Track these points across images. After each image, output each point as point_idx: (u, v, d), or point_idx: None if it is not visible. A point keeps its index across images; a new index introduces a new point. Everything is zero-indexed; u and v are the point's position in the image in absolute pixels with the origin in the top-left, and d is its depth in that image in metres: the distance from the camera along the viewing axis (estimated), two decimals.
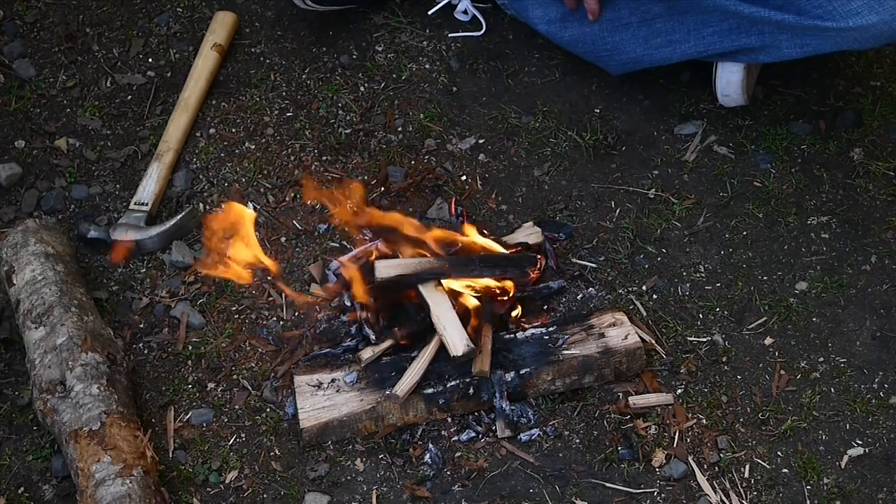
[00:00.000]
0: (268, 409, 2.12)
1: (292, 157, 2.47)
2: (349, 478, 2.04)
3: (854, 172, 2.41)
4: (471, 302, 2.14)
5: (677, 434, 2.07)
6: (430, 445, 2.06)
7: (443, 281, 2.14)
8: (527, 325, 2.17)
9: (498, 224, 2.36)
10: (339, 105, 2.55)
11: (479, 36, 2.65)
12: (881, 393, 2.12)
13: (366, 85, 2.58)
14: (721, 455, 2.05)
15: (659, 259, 2.31)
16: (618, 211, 2.38)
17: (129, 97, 2.57)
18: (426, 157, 2.47)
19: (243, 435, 2.10)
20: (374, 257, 2.20)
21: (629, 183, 2.42)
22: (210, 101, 2.55)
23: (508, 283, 2.19)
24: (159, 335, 2.22)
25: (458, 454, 2.06)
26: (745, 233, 2.34)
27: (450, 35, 2.66)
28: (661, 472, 2.03)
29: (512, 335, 2.14)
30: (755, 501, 2.00)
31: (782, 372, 2.15)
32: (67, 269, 2.18)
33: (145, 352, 2.20)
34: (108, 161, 2.47)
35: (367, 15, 2.69)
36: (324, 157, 2.46)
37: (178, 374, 2.17)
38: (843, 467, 2.04)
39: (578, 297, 2.26)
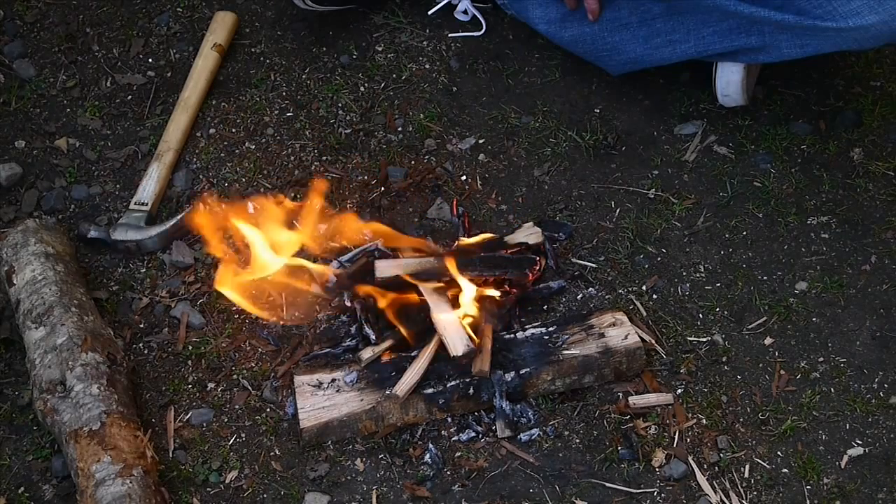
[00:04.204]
0: (268, 409, 2.12)
1: (292, 157, 2.47)
2: (349, 478, 2.04)
3: (854, 172, 2.41)
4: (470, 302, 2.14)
5: (677, 434, 2.07)
6: (430, 445, 2.06)
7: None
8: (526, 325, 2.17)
9: (498, 224, 2.36)
10: (339, 105, 2.55)
11: (479, 36, 2.65)
12: (881, 393, 2.12)
13: (366, 85, 2.58)
14: (721, 455, 2.05)
15: (659, 259, 2.31)
16: (618, 211, 2.38)
17: (129, 97, 2.57)
18: (426, 157, 2.47)
19: (243, 435, 2.10)
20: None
21: (629, 183, 2.42)
22: (210, 101, 2.55)
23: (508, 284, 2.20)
24: (159, 335, 2.22)
25: (458, 454, 2.06)
26: (745, 233, 2.34)
27: (450, 35, 2.66)
28: (661, 472, 2.03)
29: (512, 335, 2.14)
30: (755, 501, 2.00)
31: (782, 372, 2.15)
32: (67, 269, 2.18)
33: (145, 352, 2.20)
34: (108, 161, 2.47)
35: (367, 15, 2.69)
36: (324, 157, 2.46)
37: (178, 374, 2.17)
38: (843, 467, 2.04)
39: (578, 297, 2.26)
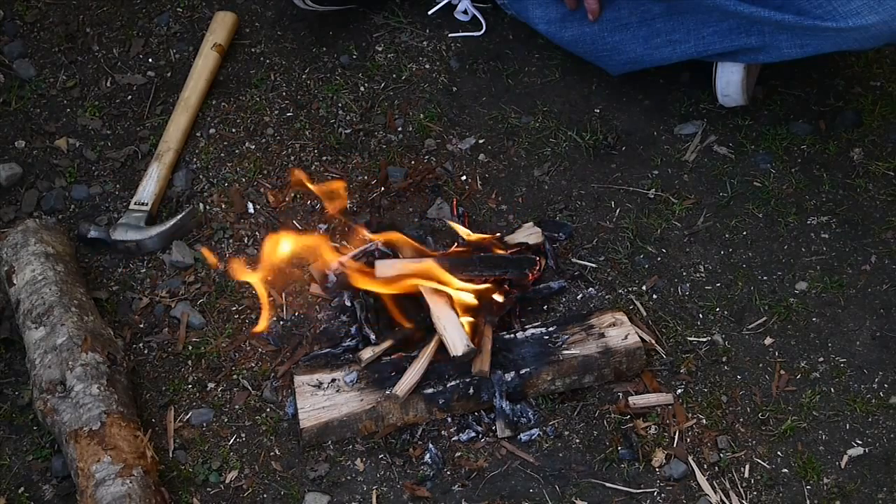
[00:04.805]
0: (268, 409, 2.12)
1: (292, 157, 2.47)
2: (349, 478, 2.04)
3: (854, 172, 2.41)
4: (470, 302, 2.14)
5: (677, 434, 2.07)
6: (430, 445, 2.06)
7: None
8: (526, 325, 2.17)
9: (498, 224, 2.36)
10: (339, 105, 2.55)
11: (479, 36, 2.65)
12: (881, 393, 2.12)
13: (366, 85, 2.58)
14: (721, 455, 2.05)
15: (659, 259, 2.31)
16: (618, 211, 2.38)
17: (129, 97, 2.57)
18: (426, 157, 2.47)
19: (243, 435, 2.10)
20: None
21: (629, 183, 2.42)
22: (210, 101, 2.55)
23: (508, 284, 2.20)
24: (159, 335, 2.22)
25: (458, 454, 2.06)
26: (745, 233, 2.34)
27: (450, 35, 2.66)
28: (661, 472, 2.03)
29: (512, 335, 2.14)
30: (755, 501, 2.00)
31: (782, 372, 2.15)
32: (67, 269, 2.18)
33: (145, 352, 2.20)
34: (108, 161, 2.47)
35: (367, 15, 2.69)
36: (324, 157, 2.47)
37: (178, 374, 2.17)
38: (843, 467, 2.04)
39: (578, 297, 2.26)
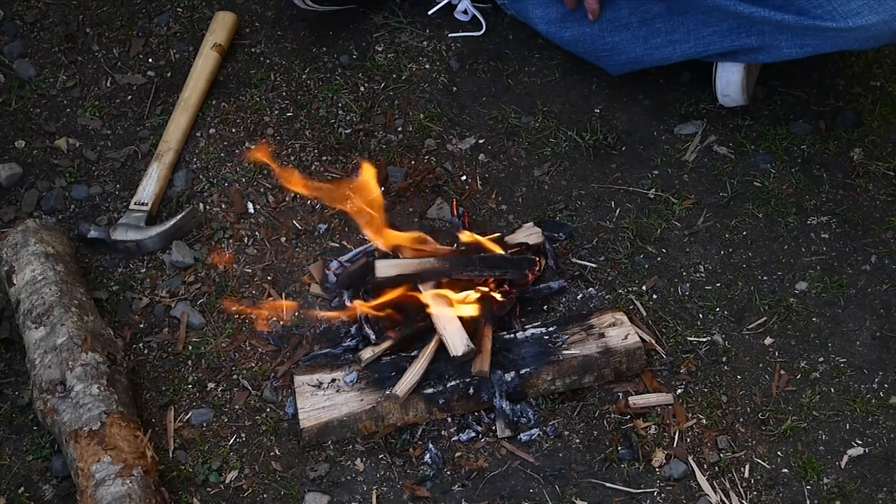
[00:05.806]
0: (268, 409, 2.12)
1: (292, 157, 2.47)
2: (349, 478, 2.04)
3: (854, 172, 2.41)
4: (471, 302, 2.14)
5: (677, 434, 2.07)
6: (430, 445, 2.06)
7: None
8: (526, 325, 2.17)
9: (498, 224, 2.36)
10: (339, 105, 2.55)
11: (479, 36, 2.65)
12: (881, 393, 2.12)
13: (366, 85, 2.58)
14: (721, 455, 2.05)
15: (659, 259, 2.31)
16: (618, 211, 2.38)
17: (129, 97, 2.57)
18: (426, 157, 2.47)
19: (243, 435, 2.10)
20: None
21: (629, 183, 2.42)
22: (210, 101, 2.55)
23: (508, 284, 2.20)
24: (159, 335, 2.22)
25: (458, 454, 2.06)
26: (745, 233, 2.34)
27: (450, 35, 2.66)
28: (661, 472, 2.03)
29: (512, 335, 2.14)
30: (755, 501, 2.00)
31: (782, 372, 2.15)
32: (67, 269, 2.18)
33: (145, 352, 2.20)
34: (108, 161, 2.47)
35: (367, 15, 2.69)
36: (324, 157, 2.47)
37: (178, 374, 2.17)
38: (843, 467, 2.04)
39: (578, 297, 2.26)
